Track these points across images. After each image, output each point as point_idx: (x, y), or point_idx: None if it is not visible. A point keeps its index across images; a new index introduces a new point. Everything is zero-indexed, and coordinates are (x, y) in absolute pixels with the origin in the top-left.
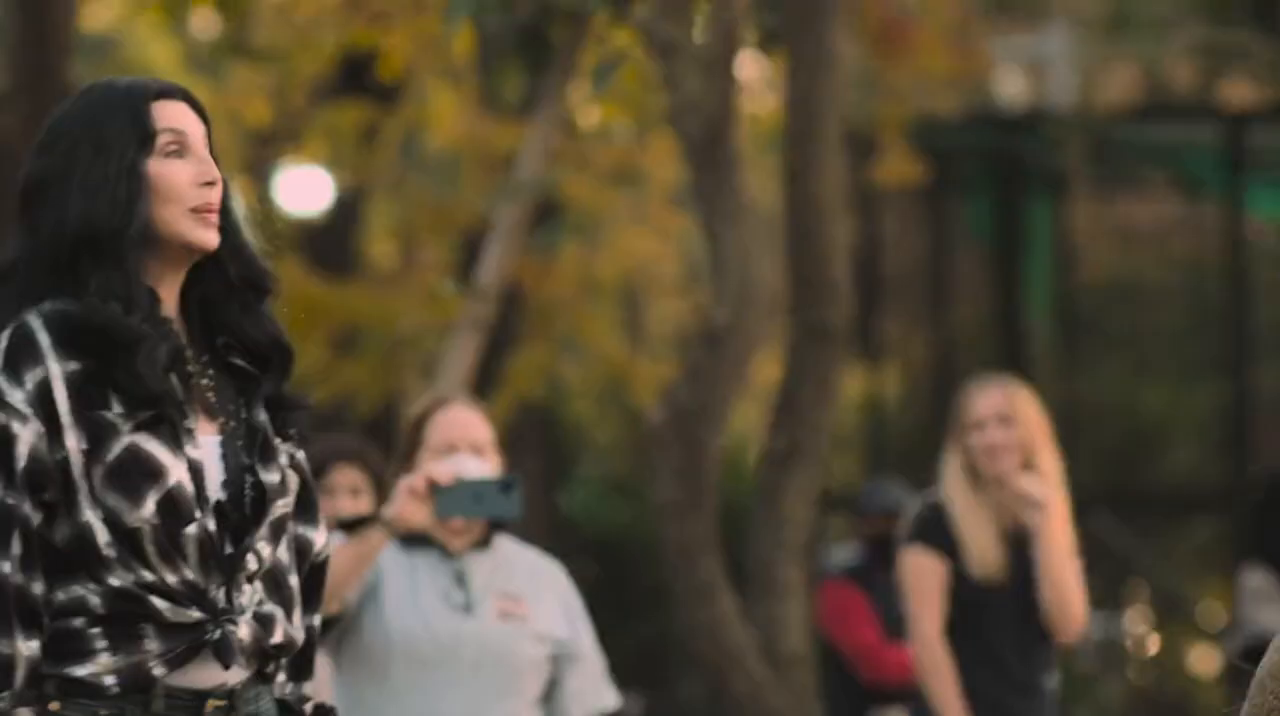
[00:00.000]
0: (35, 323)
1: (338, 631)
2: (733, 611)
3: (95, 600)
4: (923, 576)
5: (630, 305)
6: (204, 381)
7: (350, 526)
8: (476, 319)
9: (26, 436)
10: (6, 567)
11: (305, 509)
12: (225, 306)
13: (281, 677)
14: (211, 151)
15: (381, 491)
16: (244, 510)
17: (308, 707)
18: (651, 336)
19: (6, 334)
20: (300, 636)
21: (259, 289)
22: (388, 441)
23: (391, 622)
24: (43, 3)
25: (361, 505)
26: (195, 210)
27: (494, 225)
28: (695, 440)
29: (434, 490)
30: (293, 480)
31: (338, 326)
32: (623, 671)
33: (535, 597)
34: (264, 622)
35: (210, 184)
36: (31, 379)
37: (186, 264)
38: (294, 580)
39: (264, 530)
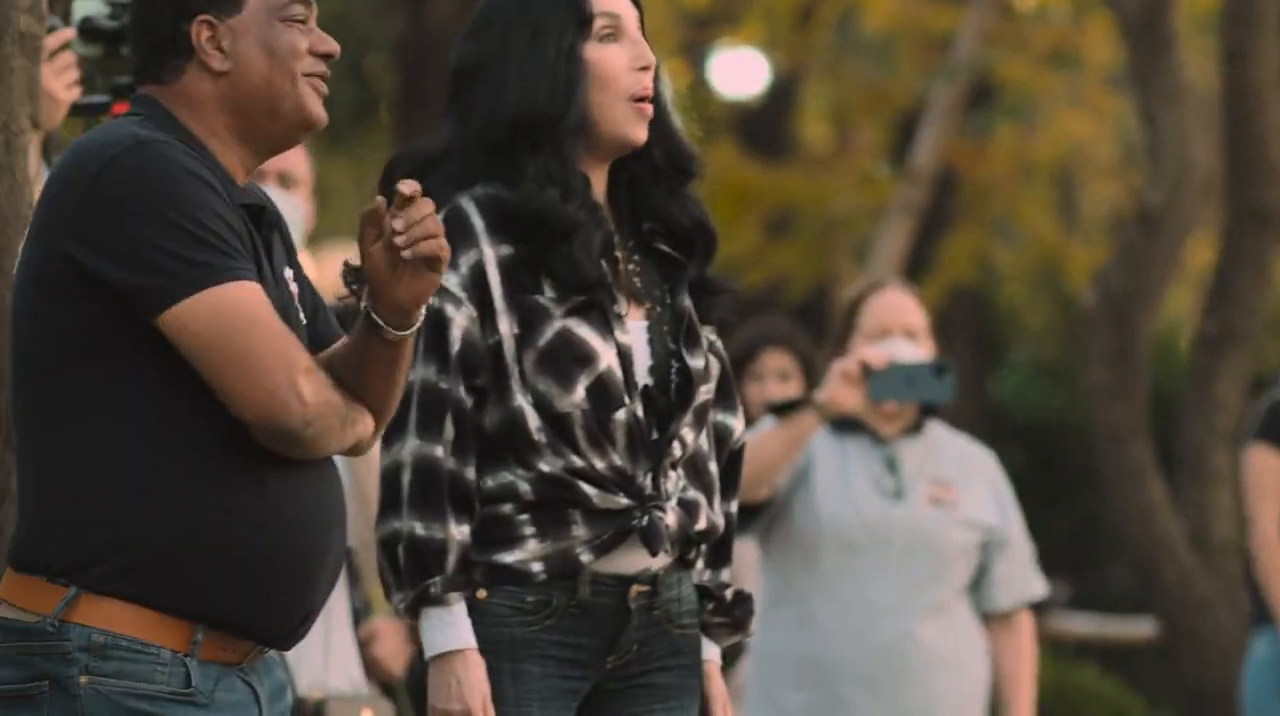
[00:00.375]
0: (469, 206)
1: (768, 516)
2: (1162, 497)
3: (524, 486)
4: (1265, 474)
5: (1064, 188)
6: (630, 267)
7: (781, 410)
8: (909, 202)
9: (460, 320)
10: (439, 452)
11: (725, 395)
12: (651, 191)
13: (700, 564)
14: (644, 35)
15: (810, 376)
16: (670, 396)
17: (727, 594)
18: (1085, 219)
19: (440, 217)
20: (720, 522)
21: (685, 173)
22: (819, 325)
23: (822, 508)
24: None
25: (790, 389)
26: (633, 99)
27: (929, 107)
28: (1127, 324)
29: (867, 374)
30: (714, 366)
31: (770, 209)
32: (1050, 557)
33: (965, 484)
34: (688, 508)
35: (645, 68)
36: (466, 262)
37: (615, 154)
38: (713, 466)
39: (689, 416)
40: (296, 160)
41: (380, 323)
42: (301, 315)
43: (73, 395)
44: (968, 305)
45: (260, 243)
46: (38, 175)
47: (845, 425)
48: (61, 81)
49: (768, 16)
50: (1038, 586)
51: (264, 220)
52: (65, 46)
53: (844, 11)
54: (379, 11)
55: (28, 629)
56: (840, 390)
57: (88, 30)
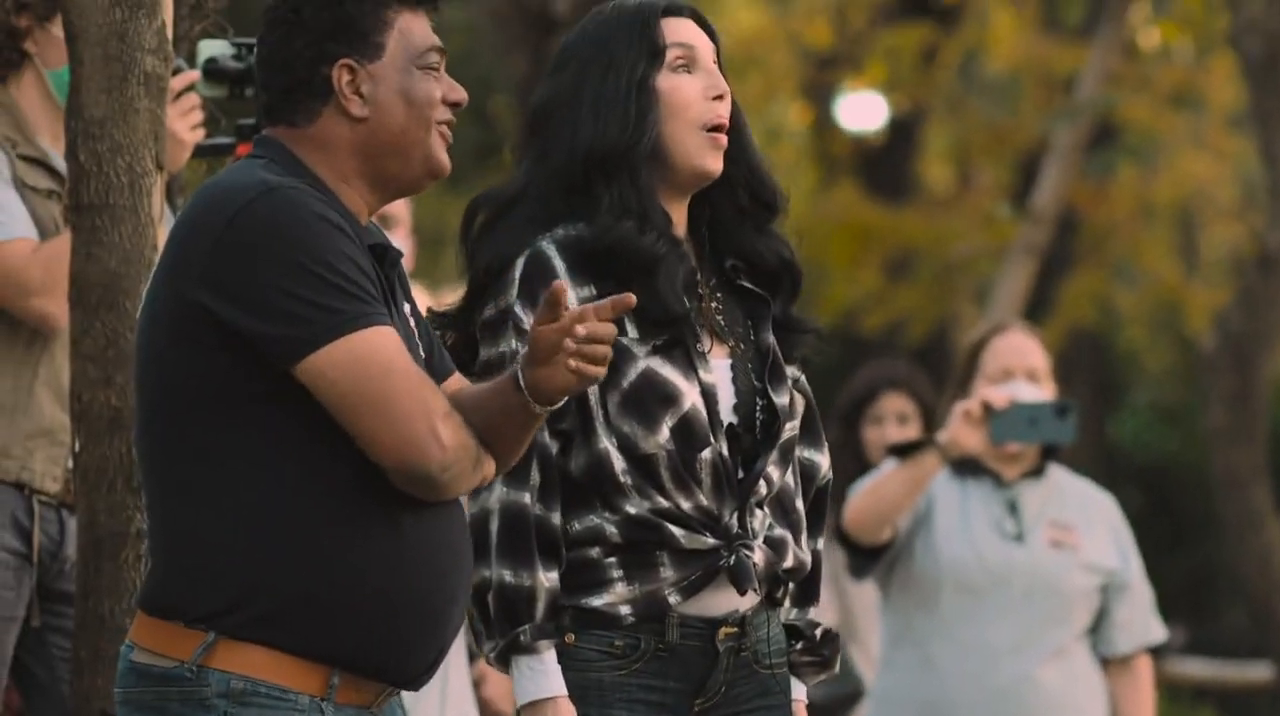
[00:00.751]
0: (550, 248)
1: (889, 557)
2: None
3: (611, 529)
4: None
5: (1185, 229)
6: (713, 304)
7: (903, 451)
8: (1031, 243)
9: None
10: (526, 498)
11: (810, 432)
12: (735, 227)
13: (787, 602)
14: (720, 68)
15: (930, 419)
16: (755, 433)
17: (816, 632)
18: (1205, 261)
19: (522, 260)
20: (808, 560)
21: (770, 209)
22: (939, 368)
23: (943, 550)
24: None
25: (909, 432)
26: (706, 128)
27: (1051, 148)
28: (1247, 366)
29: (989, 414)
30: (799, 403)
31: (891, 251)
32: (1167, 601)
33: (1087, 527)
34: (776, 547)
35: (719, 98)
36: None
37: (694, 188)
38: (800, 504)
39: (774, 453)
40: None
41: (526, 395)
42: (420, 351)
43: (204, 441)
44: (1087, 347)
45: (385, 282)
46: (162, 217)
47: (966, 468)
48: (186, 123)
49: (891, 57)
50: (1157, 631)
51: (386, 259)
52: (190, 88)
53: (967, 52)
54: (502, 52)
55: (165, 674)
56: (962, 431)
57: (212, 72)
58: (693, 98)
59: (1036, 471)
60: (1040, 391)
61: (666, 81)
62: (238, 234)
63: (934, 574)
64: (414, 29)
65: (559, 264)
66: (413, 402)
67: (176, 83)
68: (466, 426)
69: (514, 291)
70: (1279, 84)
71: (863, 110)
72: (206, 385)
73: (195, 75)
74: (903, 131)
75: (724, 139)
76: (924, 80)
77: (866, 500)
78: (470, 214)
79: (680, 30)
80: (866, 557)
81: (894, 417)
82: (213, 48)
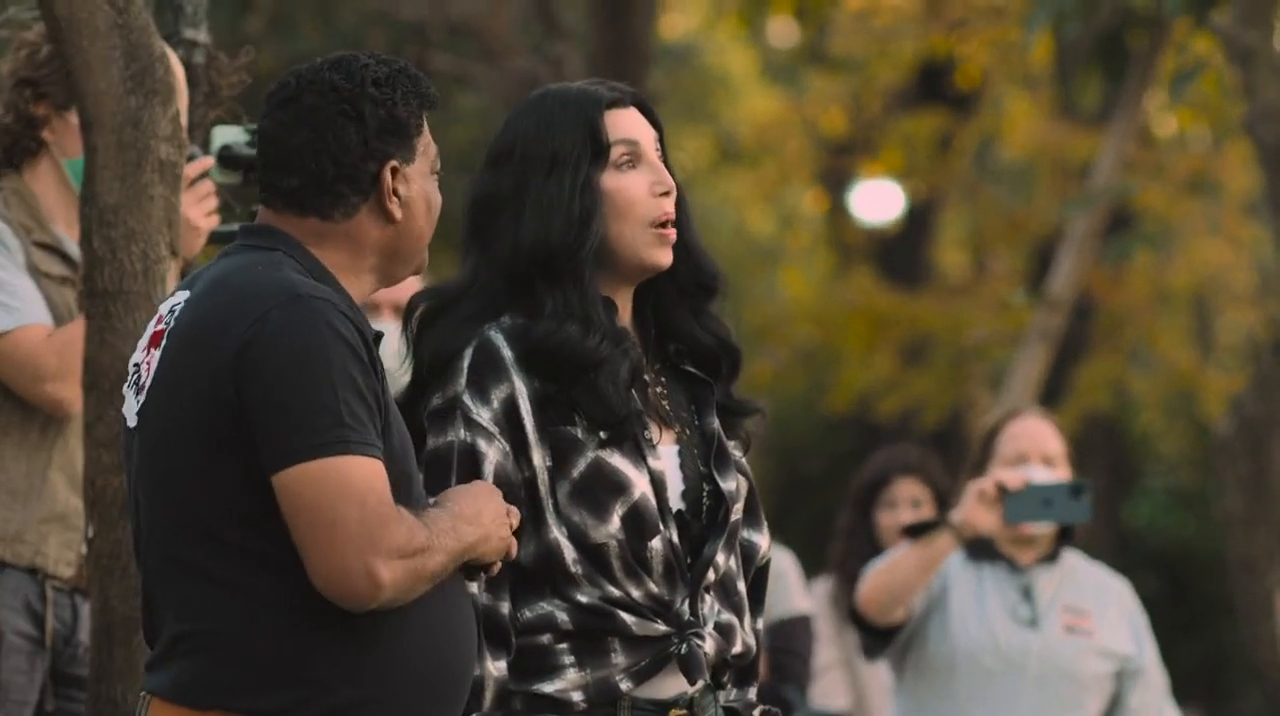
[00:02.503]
0: (498, 337)
1: (903, 639)
2: None
3: (563, 616)
4: None
5: (1200, 315)
6: (658, 390)
7: (917, 531)
8: (1046, 329)
9: (493, 455)
10: (473, 588)
11: (751, 513)
12: (676, 311)
13: (729, 685)
14: (664, 157)
15: (942, 505)
16: (702, 518)
17: (755, 713)
18: (1221, 347)
19: (470, 350)
20: (753, 643)
21: (708, 291)
22: (953, 454)
23: (957, 633)
24: (623, 13)
25: (922, 517)
26: (653, 224)
27: (1067, 235)
28: (1263, 452)
29: (1003, 495)
30: (742, 485)
31: (906, 336)
32: (1182, 685)
33: (1101, 613)
34: (725, 633)
35: (666, 194)
36: (498, 396)
37: (640, 278)
38: (742, 586)
39: (723, 539)
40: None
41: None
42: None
43: (244, 537)
44: (1103, 432)
45: (379, 364)
46: None
47: (981, 552)
48: (200, 210)
49: (906, 144)
50: None
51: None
52: (204, 175)
53: (982, 139)
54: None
55: None
56: (976, 511)
57: (227, 158)
58: (639, 196)
59: (1051, 556)
60: (1056, 474)
61: (612, 181)
62: (258, 342)
63: (948, 656)
64: (429, 134)
65: (507, 353)
66: (354, 535)
67: (191, 169)
68: (420, 558)
69: (462, 381)
70: None
71: (878, 200)
72: (225, 480)
73: (209, 162)
74: (918, 218)
75: (672, 233)
76: (939, 167)
77: (880, 579)
78: (411, 308)
79: (623, 124)
80: (880, 638)
81: (907, 502)
82: (227, 134)
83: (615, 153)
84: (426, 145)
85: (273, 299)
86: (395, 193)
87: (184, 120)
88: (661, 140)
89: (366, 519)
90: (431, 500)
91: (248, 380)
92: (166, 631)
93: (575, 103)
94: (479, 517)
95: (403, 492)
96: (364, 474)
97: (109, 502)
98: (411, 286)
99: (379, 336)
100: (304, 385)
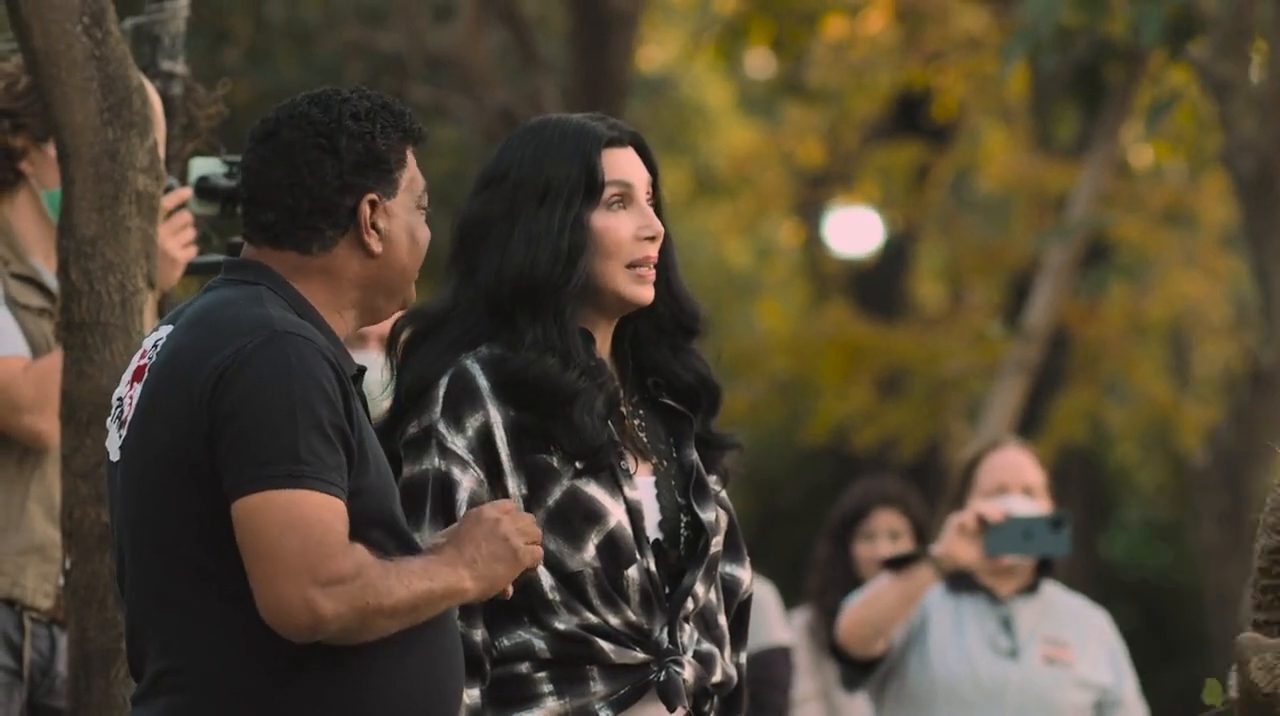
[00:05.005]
0: (474, 367)
1: (882, 670)
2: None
3: (540, 644)
4: None
5: (1177, 347)
6: (635, 422)
7: (897, 564)
8: (1023, 361)
9: (467, 483)
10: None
11: (732, 547)
12: (655, 347)
13: (711, 714)
14: (657, 195)
15: (921, 536)
16: (679, 549)
17: None
18: (1197, 379)
19: (446, 379)
20: (734, 674)
21: (689, 331)
22: (930, 485)
23: (936, 665)
24: (600, 44)
25: (901, 549)
26: (633, 265)
27: (1043, 266)
28: (1239, 484)
29: (984, 528)
30: (722, 517)
31: (883, 368)
32: None
33: (1080, 644)
34: (704, 662)
35: (651, 238)
36: (472, 425)
37: (621, 313)
38: (723, 619)
39: (702, 570)
40: None
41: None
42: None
43: (204, 571)
44: (1079, 464)
45: (356, 401)
46: None
47: (961, 584)
48: (178, 241)
49: (883, 176)
50: None
51: (358, 380)
52: (182, 206)
53: (959, 171)
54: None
55: None
56: (957, 544)
57: (204, 190)
58: (625, 238)
59: (1030, 588)
60: (1035, 506)
61: (601, 220)
62: (234, 376)
63: (928, 689)
64: (415, 168)
65: (483, 383)
66: (294, 566)
67: (168, 201)
68: (370, 593)
69: (437, 409)
70: (1271, 203)
71: (855, 231)
72: (221, 513)
73: (187, 193)
74: (895, 249)
75: (651, 273)
76: (916, 199)
77: (860, 612)
78: (396, 331)
79: (619, 165)
80: (859, 670)
81: (886, 534)
82: (204, 166)
83: (608, 192)
84: (411, 180)
85: (250, 334)
86: (374, 226)
87: (161, 152)
88: (655, 182)
89: (309, 551)
90: (440, 535)
91: (218, 413)
92: (151, 666)
93: (574, 136)
94: (463, 556)
95: (381, 528)
96: (313, 506)
97: (86, 534)
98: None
99: (362, 371)
100: (265, 418)
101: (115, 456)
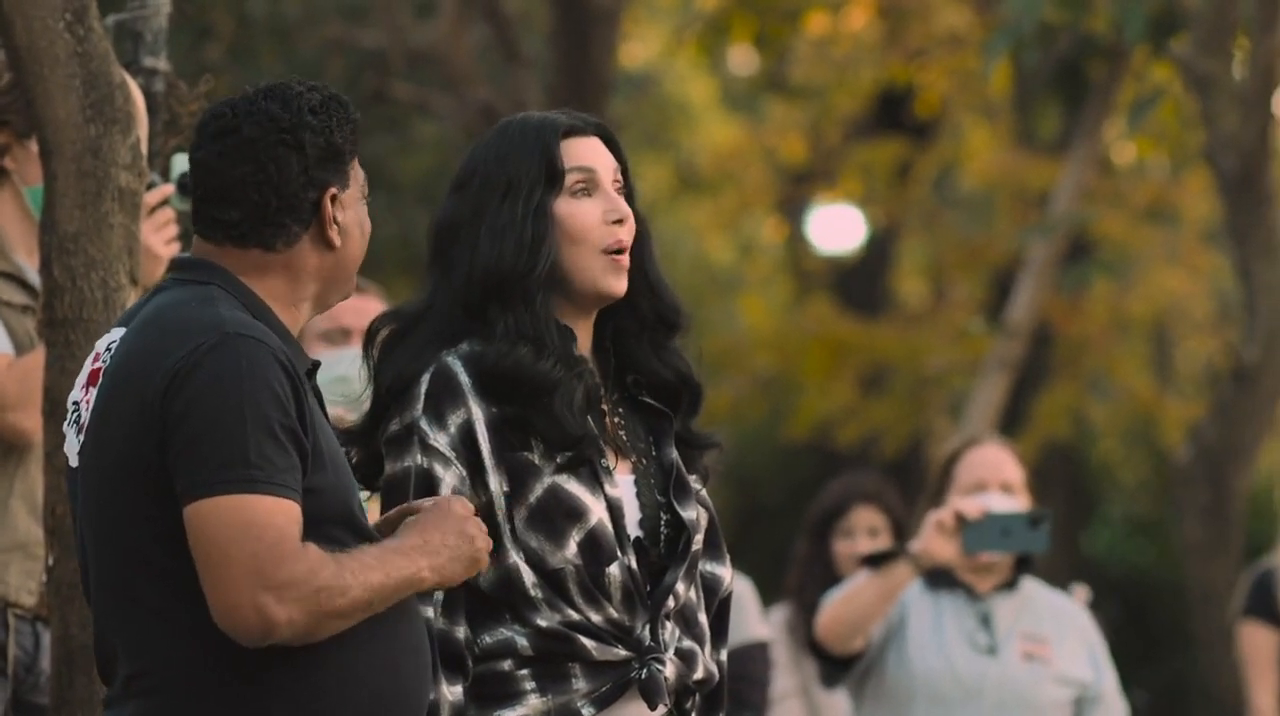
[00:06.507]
0: (455, 364)
1: (861, 668)
2: None
3: (523, 641)
4: (1255, 651)
5: (1159, 343)
6: (615, 420)
7: (875, 561)
8: (1005, 358)
9: (449, 480)
10: (429, 612)
11: (713, 545)
12: (636, 343)
13: (692, 711)
14: (628, 185)
15: (900, 533)
16: (660, 547)
17: None
18: (1180, 375)
19: (427, 376)
20: (715, 672)
21: (670, 326)
22: (913, 482)
23: (915, 662)
24: (583, 41)
25: (880, 546)
26: (605, 251)
27: (1025, 263)
28: (1222, 480)
29: (962, 525)
30: (703, 516)
31: (866, 365)
32: (1141, 714)
33: (1059, 640)
34: (686, 659)
35: (619, 222)
36: (455, 422)
37: (598, 307)
38: (703, 617)
39: (683, 567)
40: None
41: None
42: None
43: (167, 574)
44: (1061, 461)
45: (309, 400)
46: None
47: (940, 581)
48: (160, 238)
49: (865, 173)
50: None
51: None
52: (164, 203)
53: (941, 167)
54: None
55: None
56: (935, 541)
57: (187, 186)
58: (591, 223)
59: (1009, 584)
60: (1014, 502)
61: (564, 207)
62: (185, 379)
63: (906, 685)
64: (357, 159)
65: (464, 379)
66: (245, 571)
67: (151, 197)
68: (326, 595)
69: (419, 406)
70: (1254, 199)
71: (838, 228)
72: (179, 515)
73: (169, 190)
74: (877, 246)
75: (625, 260)
76: (898, 195)
77: (839, 609)
78: (372, 332)
79: (581, 152)
80: (838, 667)
81: (864, 531)
82: (187, 162)
83: (570, 179)
84: (357, 170)
85: (201, 336)
86: (335, 220)
87: (144, 148)
88: (625, 172)
89: (260, 555)
90: (408, 520)
91: (170, 416)
92: (121, 669)
93: (534, 130)
94: (427, 546)
95: (341, 526)
96: (264, 511)
97: (69, 530)
98: (375, 307)
99: (315, 366)
100: (216, 421)
101: (74, 462)
